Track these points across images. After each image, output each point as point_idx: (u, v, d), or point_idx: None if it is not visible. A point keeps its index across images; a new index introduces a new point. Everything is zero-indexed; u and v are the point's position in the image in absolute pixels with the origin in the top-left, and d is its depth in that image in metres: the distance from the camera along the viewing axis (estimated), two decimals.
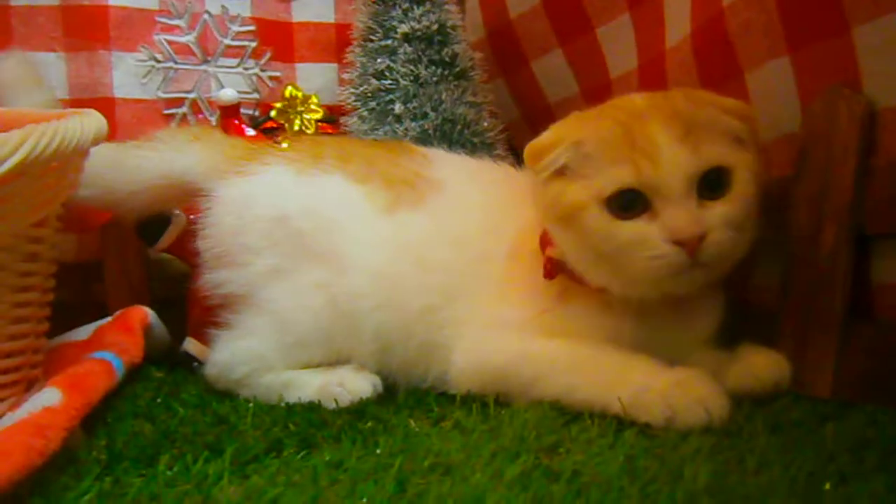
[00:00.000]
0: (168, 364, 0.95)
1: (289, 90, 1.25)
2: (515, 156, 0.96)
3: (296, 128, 1.23)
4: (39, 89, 1.02)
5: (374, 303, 0.77)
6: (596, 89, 1.12)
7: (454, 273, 0.77)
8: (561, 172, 0.69)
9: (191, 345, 0.98)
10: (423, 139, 1.04)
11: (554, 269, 0.73)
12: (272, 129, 1.23)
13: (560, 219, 0.70)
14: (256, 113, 1.25)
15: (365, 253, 0.78)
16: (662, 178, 0.64)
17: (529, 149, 0.71)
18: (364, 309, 0.77)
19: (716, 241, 0.64)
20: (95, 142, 0.74)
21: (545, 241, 0.74)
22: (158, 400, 0.79)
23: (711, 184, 0.65)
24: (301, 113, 1.24)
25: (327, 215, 0.80)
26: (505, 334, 0.73)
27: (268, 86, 1.25)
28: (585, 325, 0.71)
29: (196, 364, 0.95)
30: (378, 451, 0.60)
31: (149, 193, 0.91)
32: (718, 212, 0.65)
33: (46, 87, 1.06)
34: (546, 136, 0.71)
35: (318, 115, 1.24)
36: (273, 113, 1.24)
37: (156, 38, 1.18)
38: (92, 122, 0.74)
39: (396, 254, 0.78)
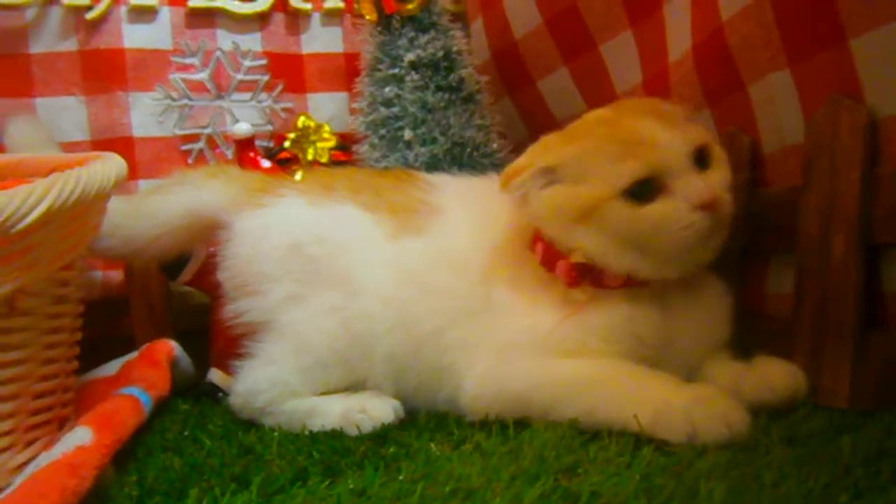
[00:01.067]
0: (194, 395, 0.97)
1: (301, 120, 1.27)
2: None
3: (309, 157, 1.26)
4: (50, 148, 1.06)
5: (386, 326, 0.79)
6: (602, 105, 1.13)
7: (457, 296, 0.79)
8: (551, 184, 0.74)
9: (215, 375, 1.00)
10: (434, 164, 1.06)
11: (579, 275, 0.74)
12: (287, 159, 1.26)
13: (576, 219, 0.73)
14: (271, 144, 1.27)
15: (374, 278, 0.80)
16: (668, 158, 0.70)
17: (503, 175, 0.77)
18: (376, 332, 0.79)
19: (727, 200, 0.71)
20: (117, 184, 0.76)
21: (556, 255, 0.75)
22: (186, 433, 0.81)
23: (700, 160, 0.72)
24: (314, 142, 1.27)
25: (339, 242, 0.82)
26: (519, 358, 0.74)
27: (281, 117, 1.28)
28: (601, 331, 0.72)
29: (220, 395, 0.97)
30: (401, 478, 0.61)
31: (172, 235, 0.94)
32: (716, 177, 0.72)
33: (56, 146, 1.09)
34: (518, 162, 0.77)
35: (331, 144, 1.27)
36: (287, 143, 1.27)
37: (171, 77, 1.21)
38: (112, 165, 0.76)
39: (402, 279, 0.80)
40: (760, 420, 0.63)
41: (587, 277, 0.74)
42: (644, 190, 0.70)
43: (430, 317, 0.79)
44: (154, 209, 0.93)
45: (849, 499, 0.47)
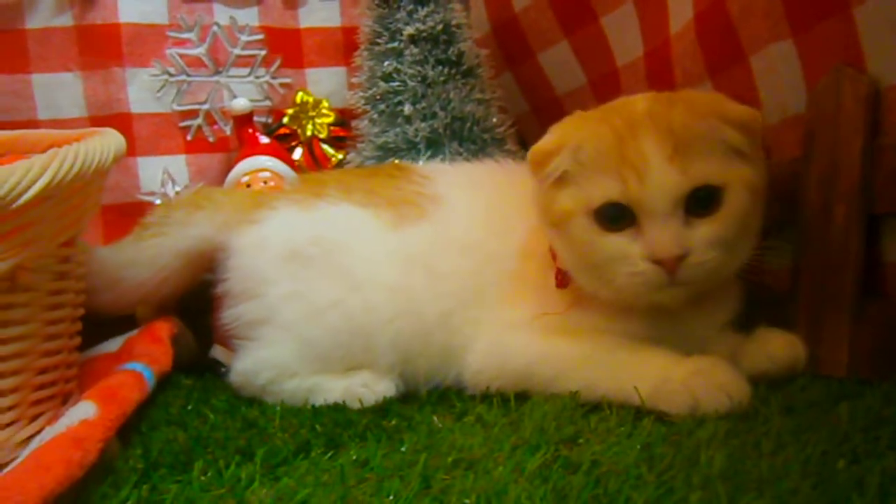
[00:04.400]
0: (196, 371, 0.97)
1: (300, 96, 1.27)
2: (526, 149, 0.96)
3: (308, 133, 1.26)
4: None
5: (389, 315, 0.79)
6: (603, 79, 1.13)
7: (465, 278, 0.79)
8: (561, 179, 0.70)
9: (218, 351, 1.01)
10: (434, 139, 1.06)
11: (566, 279, 0.74)
12: (285, 135, 1.25)
13: (553, 224, 0.71)
14: (269, 120, 1.27)
15: (375, 268, 0.80)
16: (648, 195, 0.64)
17: (533, 154, 0.71)
18: (379, 321, 0.79)
19: (696, 262, 0.64)
20: (116, 160, 0.76)
21: (553, 252, 0.75)
22: (189, 407, 0.81)
23: (701, 201, 0.65)
24: (313, 118, 1.26)
25: (336, 238, 0.82)
26: (522, 334, 0.75)
27: (279, 93, 1.27)
28: (601, 325, 0.72)
29: (224, 370, 0.97)
30: (403, 449, 0.62)
31: (178, 275, 0.94)
32: (703, 232, 0.64)
33: None
34: (548, 141, 0.71)
35: (330, 119, 1.27)
36: (285, 119, 1.26)
37: (168, 52, 1.20)
38: (111, 141, 0.76)
39: (406, 267, 0.80)
40: (760, 390, 0.64)
41: (574, 281, 0.73)
42: (614, 216, 0.66)
43: (437, 300, 0.79)
44: (149, 256, 0.92)
45: (846, 465, 0.48)
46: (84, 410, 0.65)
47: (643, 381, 0.64)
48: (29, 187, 0.60)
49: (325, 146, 1.26)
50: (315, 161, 1.25)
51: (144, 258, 0.92)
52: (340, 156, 1.24)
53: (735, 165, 0.66)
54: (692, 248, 0.64)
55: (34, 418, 0.73)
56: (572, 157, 0.68)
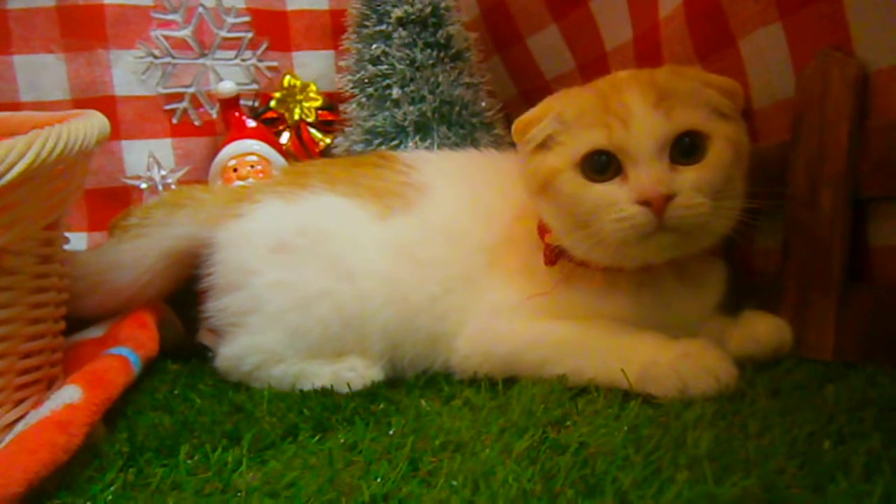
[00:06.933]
0: (183, 356, 0.97)
1: (287, 79, 1.25)
2: None
3: (296, 117, 1.24)
4: None
5: (379, 302, 0.79)
6: (592, 63, 1.12)
7: (451, 265, 0.79)
8: (544, 144, 0.72)
9: (205, 336, 1.00)
10: (423, 122, 1.05)
11: (554, 255, 0.73)
12: (272, 119, 1.24)
13: (539, 188, 0.72)
14: (256, 104, 1.25)
15: (364, 257, 0.80)
16: (632, 139, 0.65)
17: (517, 123, 0.74)
18: (370, 309, 0.79)
19: (683, 203, 0.64)
20: (99, 142, 0.75)
21: (543, 229, 0.75)
22: (176, 392, 0.81)
23: (685, 149, 0.66)
24: (300, 101, 1.25)
25: (322, 228, 0.82)
26: (510, 319, 0.75)
27: (266, 76, 1.26)
28: (589, 306, 0.72)
29: (211, 354, 0.97)
30: (391, 432, 0.62)
31: (162, 276, 0.93)
32: (689, 175, 0.65)
33: None
34: (532, 111, 0.73)
35: (318, 103, 1.25)
36: (273, 103, 1.25)
37: (152, 34, 1.19)
38: (94, 122, 0.75)
39: (394, 255, 0.80)
40: (746, 372, 0.64)
41: (564, 257, 0.73)
42: (600, 166, 0.66)
43: (425, 287, 0.79)
44: (131, 258, 0.91)
45: (832, 445, 0.48)
46: (69, 394, 0.65)
47: (631, 365, 0.64)
48: (10, 169, 0.59)
49: (312, 130, 1.25)
50: (303, 145, 1.24)
51: (128, 260, 0.91)
52: (328, 140, 1.23)
53: (719, 121, 0.68)
54: (679, 190, 0.64)
55: (19, 403, 0.72)
56: (555, 120, 0.71)
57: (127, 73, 1.17)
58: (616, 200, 0.65)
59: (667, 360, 0.62)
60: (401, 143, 1.05)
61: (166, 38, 1.19)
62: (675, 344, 0.64)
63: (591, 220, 0.67)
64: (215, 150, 1.17)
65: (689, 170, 0.65)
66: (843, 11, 0.67)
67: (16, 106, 1.13)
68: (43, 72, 1.14)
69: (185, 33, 1.20)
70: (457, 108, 1.06)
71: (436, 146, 1.04)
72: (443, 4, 1.08)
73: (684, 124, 0.65)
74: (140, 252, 0.91)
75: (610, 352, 0.67)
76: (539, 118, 0.72)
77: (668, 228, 0.64)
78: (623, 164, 0.66)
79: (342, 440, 0.61)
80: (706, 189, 0.65)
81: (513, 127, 0.75)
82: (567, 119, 0.70)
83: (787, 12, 0.73)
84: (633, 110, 0.65)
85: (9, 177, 0.59)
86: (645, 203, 0.63)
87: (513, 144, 0.89)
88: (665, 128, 0.65)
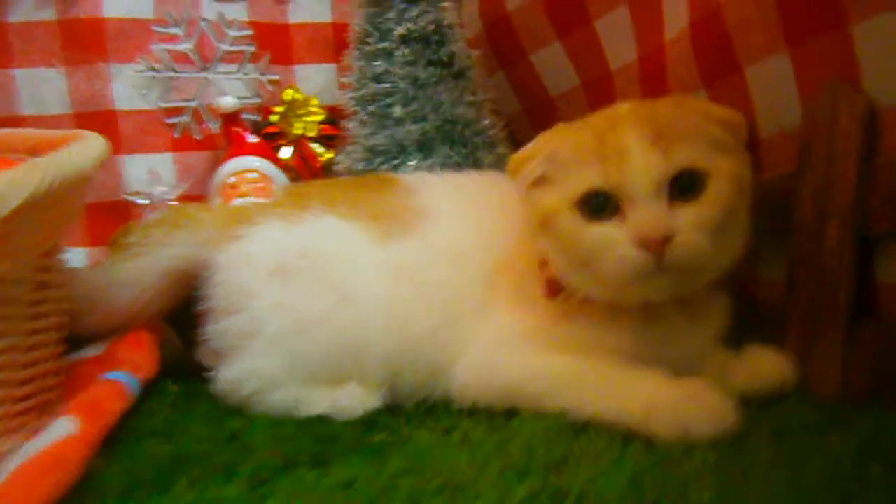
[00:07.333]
0: (183, 375, 0.96)
1: (289, 93, 1.25)
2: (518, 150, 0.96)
3: (297, 132, 1.24)
4: None
5: (380, 329, 0.78)
6: (597, 81, 1.11)
7: (453, 291, 0.78)
8: (540, 182, 0.71)
9: (206, 356, 0.99)
10: (425, 141, 1.04)
11: (555, 288, 0.73)
12: (274, 133, 1.24)
13: (540, 226, 0.71)
14: (258, 118, 1.25)
15: (365, 281, 0.79)
16: (629, 179, 0.64)
17: (510, 162, 0.73)
18: (371, 336, 0.78)
19: (682, 243, 0.63)
20: (96, 166, 0.74)
21: (542, 262, 0.75)
22: (174, 417, 0.80)
23: (684, 187, 0.64)
24: (302, 116, 1.24)
25: (323, 251, 0.81)
26: (510, 350, 0.74)
27: (268, 89, 1.25)
28: (590, 339, 0.71)
29: (210, 374, 0.96)
30: (389, 471, 0.61)
31: (162, 295, 0.91)
32: (688, 214, 0.64)
33: None
34: (526, 148, 0.73)
35: (319, 118, 1.25)
36: (274, 117, 1.24)
37: (154, 47, 1.18)
38: (92, 146, 0.74)
39: (396, 280, 0.79)
40: (749, 411, 0.63)
41: (565, 289, 0.72)
42: (597, 206, 0.65)
43: (427, 315, 0.78)
44: (131, 277, 0.90)
45: (837, 496, 0.47)
46: (66, 427, 0.64)
47: (632, 404, 0.63)
48: (7, 203, 0.59)
49: (313, 145, 1.24)
50: (304, 160, 1.24)
51: (128, 279, 0.90)
52: (330, 154, 1.22)
53: (719, 157, 0.66)
54: (678, 229, 0.63)
55: (16, 430, 0.71)
56: (548, 160, 0.70)
57: (128, 87, 1.17)
58: (614, 242, 0.64)
59: (668, 401, 0.62)
60: (402, 161, 1.04)
61: (168, 51, 1.19)
62: (677, 384, 0.63)
63: (591, 259, 0.66)
64: (217, 165, 1.16)
65: (688, 207, 0.64)
66: (852, 45, 0.66)
67: (17, 120, 1.13)
68: (44, 85, 1.14)
69: (187, 47, 1.20)
70: (459, 127, 1.05)
71: (438, 165, 1.03)
72: (446, 22, 1.07)
73: (683, 162, 0.64)
74: (139, 271, 0.90)
75: (611, 388, 0.66)
76: (531, 156, 0.71)
77: (667, 269, 0.63)
78: (621, 204, 0.65)
79: (339, 478, 0.60)
80: (707, 226, 0.64)
81: (508, 165, 0.74)
82: (562, 158, 0.69)
83: (795, 43, 0.72)
84: (629, 149, 0.64)
85: (3, 213, 0.58)
86: (643, 245, 0.63)
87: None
88: (662, 167, 0.64)
